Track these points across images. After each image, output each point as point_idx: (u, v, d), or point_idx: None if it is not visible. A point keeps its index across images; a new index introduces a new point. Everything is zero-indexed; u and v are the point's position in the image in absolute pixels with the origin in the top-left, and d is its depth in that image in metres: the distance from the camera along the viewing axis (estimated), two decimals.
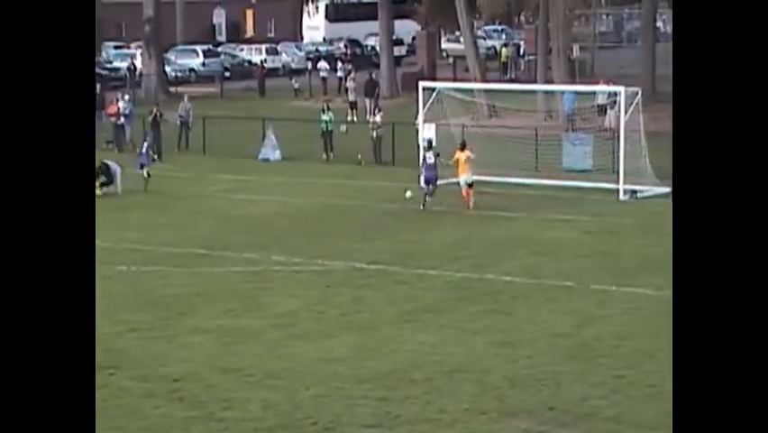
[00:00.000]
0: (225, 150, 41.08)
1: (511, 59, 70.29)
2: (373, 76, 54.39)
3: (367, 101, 51.39)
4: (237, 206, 31.68)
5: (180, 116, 43.12)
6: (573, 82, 50.32)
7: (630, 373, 17.08)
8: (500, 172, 33.70)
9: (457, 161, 31.11)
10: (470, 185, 30.73)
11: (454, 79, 57.58)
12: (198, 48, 72.96)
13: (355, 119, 49.10)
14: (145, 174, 33.95)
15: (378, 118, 39.76)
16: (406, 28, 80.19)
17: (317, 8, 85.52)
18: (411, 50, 76.99)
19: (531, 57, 62.51)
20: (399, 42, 73.84)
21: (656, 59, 52.95)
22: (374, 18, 65.71)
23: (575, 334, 19.14)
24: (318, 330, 19.56)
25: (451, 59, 71.17)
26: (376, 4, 64.52)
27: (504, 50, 71.94)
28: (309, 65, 69.91)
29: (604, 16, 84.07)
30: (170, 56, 69.38)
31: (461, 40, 59.33)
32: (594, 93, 42.94)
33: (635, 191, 31.73)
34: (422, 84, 37.03)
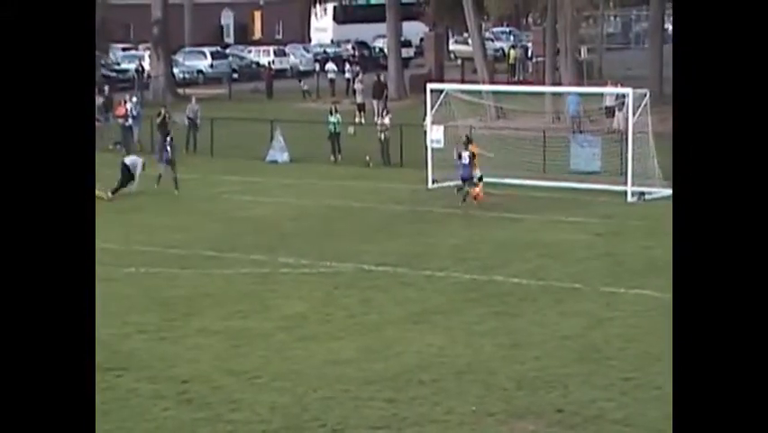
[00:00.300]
0: (233, 151, 41.12)
1: (519, 61, 70.27)
2: (381, 78, 54.39)
3: (375, 103, 51.40)
4: (245, 207, 31.69)
5: (188, 117, 43.17)
6: (581, 84, 50.29)
7: (638, 375, 17.06)
8: (508, 174, 33.71)
9: (473, 154, 31.22)
10: (480, 178, 30.96)
11: (462, 81, 57.59)
12: (206, 49, 73.04)
13: (363, 121, 49.12)
14: (162, 169, 33.87)
15: (386, 120, 39.75)
16: (414, 30, 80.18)
17: (325, 10, 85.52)
18: (419, 52, 77.00)
19: (539, 58, 62.44)
20: (407, 44, 73.84)
21: (664, 61, 52.88)
22: (382, 20, 65.72)
23: (583, 336, 19.12)
24: (326, 332, 19.57)
25: (459, 61, 71.15)
26: (384, 5, 64.54)
27: (512, 51, 71.93)
28: (317, 67, 69.96)
29: (612, 18, 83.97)
30: (178, 58, 69.47)
31: (469, 41, 59.35)
32: (602, 95, 42.90)
33: (643, 193, 31.70)
34: (430, 86, 37.04)
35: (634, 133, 32.14)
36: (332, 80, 63.13)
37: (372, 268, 24.02)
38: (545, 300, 21.36)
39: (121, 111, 43.89)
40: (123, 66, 67.83)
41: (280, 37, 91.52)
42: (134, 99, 45.07)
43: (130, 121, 43.20)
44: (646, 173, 31.97)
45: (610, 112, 43.76)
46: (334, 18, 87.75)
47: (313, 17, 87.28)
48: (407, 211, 30.70)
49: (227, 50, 76.79)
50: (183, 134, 42.46)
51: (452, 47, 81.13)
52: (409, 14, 75.99)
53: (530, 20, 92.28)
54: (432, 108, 35.48)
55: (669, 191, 31.62)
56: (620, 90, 38.36)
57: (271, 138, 40.82)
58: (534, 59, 67.64)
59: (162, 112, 41.64)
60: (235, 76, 68.68)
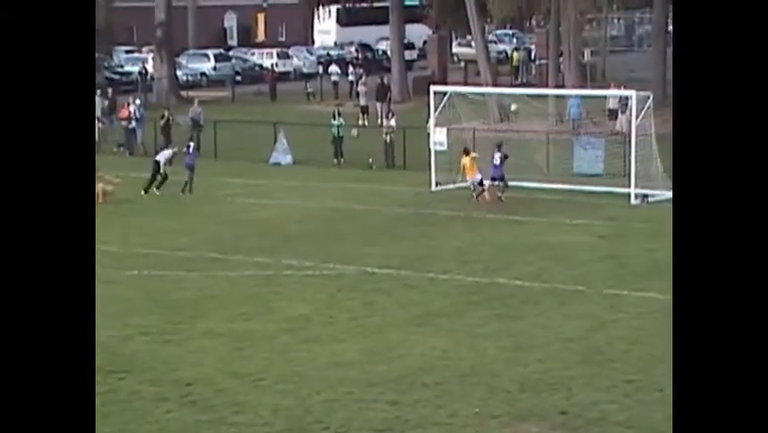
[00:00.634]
0: (236, 154, 41.13)
1: (522, 64, 70.27)
2: (384, 80, 54.40)
3: (378, 105, 51.40)
4: (248, 210, 31.71)
5: (192, 119, 43.20)
6: (584, 86, 50.28)
7: (641, 377, 17.06)
8: (511, 176, 33.70)
9: (463, 166, 32.23)
10: (480, 183, 31.79)
11: (465, 83, 57.59)
12: (210, 52, 73.08)
13: (366, 123, 49.13)
14: (187, 177, 33.95)
15: (392, 122, 39.75)
16: (418, 32, 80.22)
17: (329, 12, 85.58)
18: (422, 55, 77.01)
19: (542, 61, 62.44)
20: (410, 47, 73.87)
21: (667, 64, 52.87)
22: (385, 22, 65.75)
23: (586, 338, 19.12)
24: (329, 334, 19.57)
25: (462, 64, 71.18)
26: (387, 8, 64.57)
27: (515, 54, 71.93)
28: (320, 69, 69.98)
29: (615, 20, 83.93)
30: (182, 60, 69.52)
31: (473, 44, 59.34)
32: (605, 97, 42.91)
33: (646, 195, 31.69)
34: (433, 88, 37.04)
35: (637, 136, 32.14)
36: (335, 83, 63.17)
37: (376, 270, 24.03)
38: (548, 303, 21.37)
39: (124, 113, 43.93)
40: (127, 68, 67.88)
41: (283, 39, 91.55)
42: (138, 102, 45.10)
43: (133, 123, 43.25)
44: (649, 176, 31.96)
45: (613, 114, 43.76)
46: (338, 20, 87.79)
47: (316, 19, 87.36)
48: (411, 214, 30.72)
49: (230, 53, 76.83)
50: (186, 137, 42.48)
51: (455, 49, 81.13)
52: (412, 17, 76.09)
53: (533, 22, 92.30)
54: (435, 111, 35.49)
55: (672, 194, 31.68)
56: (623, 93, 38.35)
57: (275, 140, 40.84)
58: (537, 62, 67.65)
59: (166, 114, 41.68)
60: (238, 78, 68.69)
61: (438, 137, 35.11)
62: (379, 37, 79.53)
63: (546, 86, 51.27)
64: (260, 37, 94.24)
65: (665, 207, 30.51)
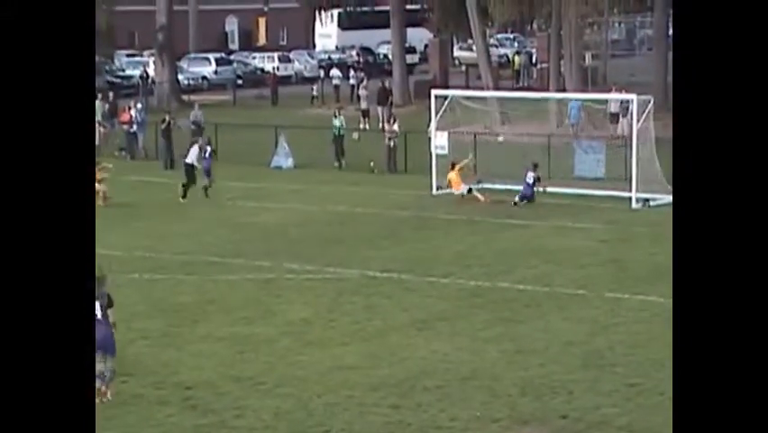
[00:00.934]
0: (238, 157, 41.10)
1: (523, 67, 70.27)
2: (386, 84, 54.40)
3: (379, 109, 51.40)
4: (249, 213, 31.71)
5: (194, 123, 43.21)
6: (586, 90, 50.27)
7: (642, 381, 17.06)
8: (512, 180, 33.71)
9: (449, 181, 32.93)
10: (469, 191, 32.47)
11: (467, 87, 57.59)
12: (211, 56, 73.10)
13: (367, 127, 49.13)
14: (206, 181, 33.99)
15: (395, 126, 39.74)
16: (419, 36, 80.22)
17: (330, 16, 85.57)
18: (423, 58, 77.01)
19: (543, 65, 62.43)
20: (412, 50, 73.86)
21: (669, 67, 52.86)
22: (386, 26, 65.75)
23: (587, 342, 19.12)
24: (330, 338, 19.58)
25: (463, 67, 71.19)
26: (388, 12, 64.58)
27: (516, 57, 71.94)
28: (321, 73, 69.99)
29: (616, 24, 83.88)
30: (183, 64, 69.52)
31: (474, 48, 59.34)
32: (606, 101, 42.89)
33: (647, 199, 31.68)
34: (434, 92, 37.04)
35: (638, 140, 32.13)
36: (336, 86, 63.20)
37: (377, 274, 24.03)
38: (550, 306, 21.36)
39: (125, 117, 43.94)
40: (128, 72, 67.90)
41: (285, 43, 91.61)
42: (139, 106, 45.10)
43: (134, 127, 43.26)
44: (651, 179, 31.94)
45: (615, 118, 43.74)
46: (339, 24, 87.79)
47: (317, 23, 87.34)
48: (412, 217, 30.72)
49: (232, 57, 76.85)
50: (188, 141, 42.48)
51: (456, 53, 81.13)
52: (414, 21, 76.03)
53: (534, 26, 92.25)
54: (436, 114, 35.50)
55: None
56: (625, 96, 38.33)
57: (276, 144, 40.84)
58: (538, 66, 67.66)
59: (167, 118, 41.68)
60: (240, 82, 68.70)
61: (439, 141, 35.11)
62: (381, 41, 79.54)
63: (547, 89, 51.25)
64: (262, 41, 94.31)
65: (666, 210, 30.49)
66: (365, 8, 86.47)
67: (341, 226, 29.65)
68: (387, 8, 66.30)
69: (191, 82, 67.63)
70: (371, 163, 38.67)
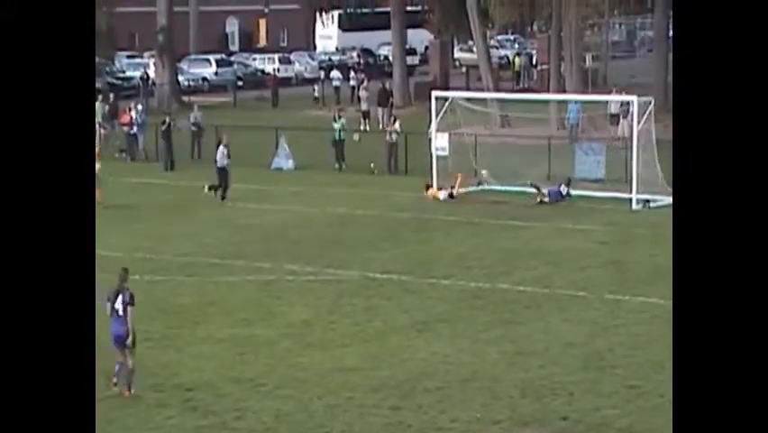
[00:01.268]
0: (238, 159, 40.92)
1: (524, 69, 70.24)
2: (387, 85, 54.39)
3: (380, 110, 51.39)
4: (250, 215, 31.71)
5: (194, 124, 43.20)
6: (586, 91, 50.25)
7: (642, 383, 17.06)
8: (513, 182, 33.73)
9: (432, 196, 33.35)
10: (451, 195, 33.16)
11: (467, 89, 57.57)
12: (211, 57, 73.06)
13: (368, 128, 49.11)
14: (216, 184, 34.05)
15: (396, 125, 39.73)
16: (419, 37, 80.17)
17: (330, 18, 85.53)
18: (424, 60, 76.98)
19: (544, 66, 62.39)
20: (412, 52, 73.81)
21: (669, 69, 52.85)
22: (387, 27, 65.74)
23: (588, 343, 19.12)
24: (331, 339, 19.58)
25: (464, 69, 71.13)
26: (389, 13, 64.56)
27: (517, 59, 71.91)
28: (322, 74, 69.98)
29: (617, 25, 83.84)
30: (183, 65, 69.49)
31: (474, 49, 59.31)
32: (607, 102, 42.88)
33: (647, 201, 31.68)
34: (435, 93, 37.03)
35: (638, 141, 32.12)
36: (336, 88, 63.18)
37: (377, 276, 24.02)
38: (550, 308, 21.36)
39: (126, 119, 43.92)
40: (128, 73, 67.88)
41: (285, 45, 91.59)
42: (139, 107, 45.08)
43: (135, 129, 43.24)
44: (651, 181, 31.93)
45: (615, 119, 43.72)
46: (339, 25, 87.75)
47: (318, 25, 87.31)
48: (412, 219, 30.72)
49: (232, 58, 76.82)
50: (188, 143, 42.51)
51: (456, 54, 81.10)
52: (414, 22, 75.98)
53: (535, 28, 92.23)
54: (437, 116, 35.49)
55: None
56: (625, 98, 38.33)
57: (276, 146, 40.82)
58: (538, 67, 67.62)
59: (167, 120, 41.68)
60: (240, 83, 68.67)
61: (440, 142, 35.11)
62: (381, 42, 79.52)
63: (548, 91, 51.24)
64: (262, 42, 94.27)
65: (667, 212, 30.49)
66: (365, 10, 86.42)
67: (341, 228, 29.65)
68: (387, 9, 66.26)
69: (191, 83, 67.59)
70: (372, 165, 38.66)
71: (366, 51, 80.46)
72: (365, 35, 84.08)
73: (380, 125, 48.90)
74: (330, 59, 77.69)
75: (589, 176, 34.49)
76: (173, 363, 18.39)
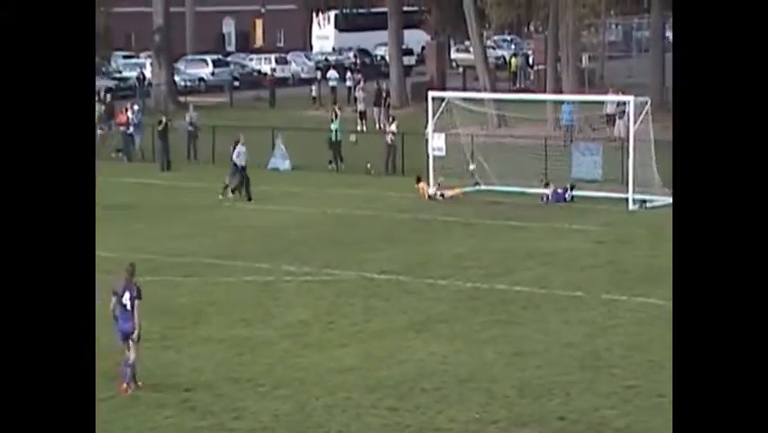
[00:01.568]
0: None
1: (520, 69, 70.28)
2: (382, 86, 54.41)
3: (375, 111, 51.42)
4: (247, 215, 31.72)
5: (190, 124, 43.20)
6: (582, 92, 50.29)
7: (640, 383, 17.08)
8: (510, 182, 33.76)
9: (421, 190, 33.61)
10: (441, 195, 33.23)
11: (464, 89, 57.59)
12: (208, 57, 73.07)
13: (365, 129, 49.13)
14: (227, 181, 34.09)
15: (393, 127, 39.75)
16: (416, 38, 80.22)
17: (327, 18, 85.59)
18: (420, 60, 76.97)
19: (540, 66, 62.46)
20: (409, 52, 73.82)
21: (666, 69, 52.93)
22: (384, 28, 65.76)
23: (585, 344, 19.14)
24: (329, 340, 19.60)
25: (460, 69, 71.15)
26: (385, 13, 64.58)
27: (513, 59, 71.95)
28: (318, 75, 70.00)
29: (613, 26, 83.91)
30: (180, 65, 69.48)
31: (471, 49, 59.35)
32: (603, 103, 42.91)
33: (644, 201, 31.72)
34: (431, 94, 37.06)
35: (635, 141, 32.17)
36: (333, 88, 63.20)
37: (375, 276, 24.04)
38: (548, 308, 21.39)
39: (122, 119, 43.92)
40: (125, 74, 67.86)
41: (282, 45, 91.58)
42: (136, 107, 45.09)
43: (131, 129, 43.24)
44: (648, 181, 31.98)
45: (611, 120, 43.75)
46: (336, 26, 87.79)
47: (314, 25, 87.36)
48: (410, 219, 30.74)
49: (229, 58, 76.82)
50: (184, 143, 42.51)
51: (453, 55, 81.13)
52: (411, 22, 76.09)
53: (531, 28, 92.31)
54: (434, 116, 35.52)
55: (670, 199, 31.71)
56: (621, 98, 38.36)
57: (273, 146, 40.83)
58: (535, 67, 67.67)
59: (163, 120, 41.68)
60: (237, 84, 68.67)
61: (437, 143, 35.14)
62: (378, 42, 79.54)
63: (544, 91, 51.28)
64: (259, 42, 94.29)
65: (663, 212, 30.55)
66: (362, 10, 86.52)
67: (339, 229, 29.66)
68: (384, 10, 66.30)
69: (188, 84, 67.59)
70: (368, 165, 38.68)
71: (363, 52, 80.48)
72: (362, 35, 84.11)
73: (377, 126, 48.93)
74: (327, 60, 77.70)
75: (586, 176, 34.53)
76: (172, 363, 18.40)
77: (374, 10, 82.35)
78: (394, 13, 62.31)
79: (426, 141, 35.84)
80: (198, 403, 16.54)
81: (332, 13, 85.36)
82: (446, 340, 19.43)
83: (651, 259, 25.25)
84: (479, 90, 50.26)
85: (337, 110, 42.14)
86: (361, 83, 56.35)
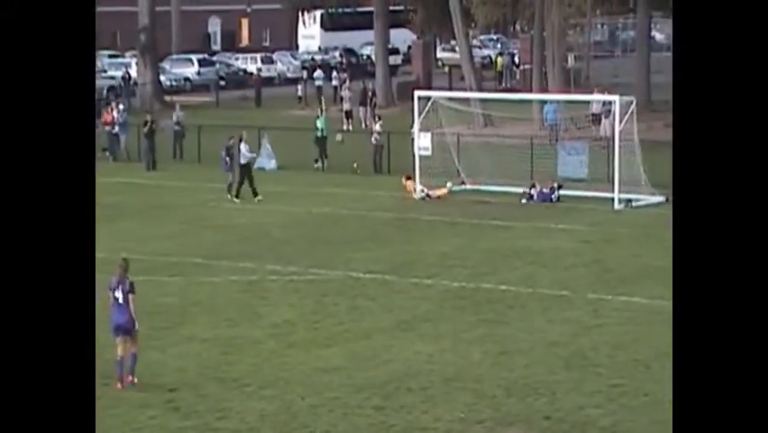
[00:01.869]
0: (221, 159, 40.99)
1: (506, 69, 70.34)
2: (368, 85, 54.38)
3: (362, 110, 51.40)
4: (232, 215, 31.66)
5: (177, 124, 43.11)
6: (568, 91, 50.36)
7: (625, 382, 17.10)
8: (496, 181, 33.76)
9: (406, 187, 33.77)
10: (428, 195, 33.35)
11: (450, 88, 57.59)
12: (194, 57, 72.92)
13: (351, 128, 49.10)
14: (229, 178, 34.02)
15: (377, 126, 39.73)
16: (402, 37, 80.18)
17: (313, 17, 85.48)
18: (407, 60, 76.99)
19: (526, 66, 62.52)
20: (395, 52, 73.81)
21: (651, 69, 53.04)
22: (370, 27, 65.73)
23: (571, 343, 19.15)
24: (314, 340, 19.57)
25: (446, 69, 71.17)
26: (371, 13, 64.54)
27: (499, 59, 72.00)
28: (305, 74, 69.93)
29: (599, 26, 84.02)
30: (165, 65, 69.33)
31: (457, 49, 59.36)
32: (588, 102, 42.96)
33: (629, 200, 31.77)
34: (417, 93, 37.03)
35: (620, 141, 32.20)
36: (319, 87, 63.16)
37: (361, 275, 24.02)
38: (533, 308, 21.39)
39: (107, 118, 43.80)
40: (110, 73, 67.66)
41: (268, 44, 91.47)
42: (121, 107, 44.98)
43: (116, 128, 43.14)
44: (633, 180, 32.03)
45: (597, 119, 43.80)
46: (322, 25, 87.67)
47: (300, 24, 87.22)
48: (395, 219, 30.72)
49: (214, 58, 76.69)
50: (170, 142, 42.42)
51: (439, 54, 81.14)
52: (397, 22, 75.98)
53: (517, 27, 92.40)
54: (419, 116, 35.51)
55: (655, 198, 31.76)
56: (607, 97, 38.41)
57: (259, 146, 40.76)
58: (521, 67, 67.73)
59: (149, 119, 41.60)
60: (222, 83, 68.55)
61: (422, 142, 35.13)
62: (364, 42, 79.50)
63: (530, 91, 51.31)
64: (245, 42, 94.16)
65: (649, 211, 30.63)
66: (348, 9, 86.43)
67: (324, 228, 29.63)
68: (370, 9, 66.22)
69: (174, 83, 67.45)
70: (355, 164, 38.66)
71: (349, 51, 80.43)
72: (348, 35, 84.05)
73: (363, 125, 48.90)
74: (313, 59, 77.62)
75: (571, 176, 34.57)
76: (156, 363, 18.34)
77: (360, 9, 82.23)
78: (380, 12, 62.28)
79: (412, 140, 35.83)
80: (183, 403, 16.49)
81: (318, 13, 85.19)
82: (432, 340, 19.42)
83: (637, 258, 25.28)
84: (465, 90, 50.27)
85: (323, 106, 42.10)
86: (347, 82, 56.32)
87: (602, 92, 42.93)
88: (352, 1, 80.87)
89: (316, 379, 17.42)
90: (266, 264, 25.11)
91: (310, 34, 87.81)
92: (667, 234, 27.01)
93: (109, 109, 44.35)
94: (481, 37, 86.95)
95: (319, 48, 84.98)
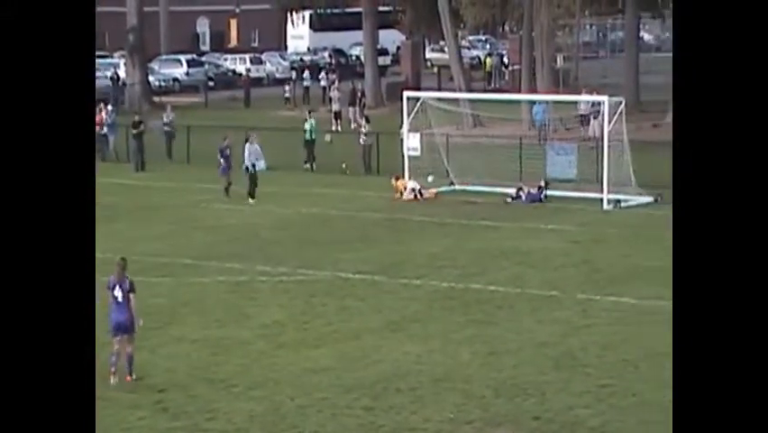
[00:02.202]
0: (210, 160, 40.94)
1: (495, 69, 70.43)
2: (356, 86, 54.39)
3: (351, 111, 51.40)
4: (222, 216, 31.64)
5: (166, 125, 43.05)
6: (557, 91, 50.42)
7: (614, 382, 17.13)
8: (485, 182, 33.79)
9: (397, 187, 33.68)
10: (420, 193, 33.39)
11: (439, 89, 57.63)
12: (182, 57, 72.86)
13: (340, 129, 49.10)
14: (225, 181, 34.03)
15: (365, 127, 39.72)
16: (391, 38, 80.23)
17: (302, 18, 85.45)
18: (395, 60, 77.04)
19: (515, 66, 62.58)
20: (384, 52, 73.85)
21: (639, 69, 53.12)
22: (358, 28, 65.75)
23: (560, 343, 19.17)
24: (303, 340, 19.57)
25: (435, 69, 71.24)
26: (360, 13, 64.55)
27: (488, 59, 72.10)
28: (293, 74, 69.92)
29: (588, 26, 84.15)
30: (154, 65, 69.28)
31: (446, 49, 59.40)
32: (577, 103, 43.03)
33: (618, 201, 31.82)
34: (406, 94, 37.06)
35: (609, 141, 32.24)
36: (307, 88, 63.16)
37: (350, 276, 24.02)
38: (522, 308, 21.41)
39: (96, 119, 43.69)
40: (99, 74, 67.50)
41: (256, 45, 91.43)
42: (110, 107, 44.91)
43: (105, 129, 43.07)
44: (622, 181, 32.07)
45: (585, 120, 43.86)
46: (311, 26, 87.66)
47: (289, 25, 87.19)
48: (385, 219, 30.73)
49: (203, 58, 76.64)
50: (158, 143, 42.37)
51: (428, 55, 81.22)
52: (386, 22, 76.00)
53: (506, 28, 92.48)
54: (409, 116, 35.52)
55: (644, 199, 31.82)
56: (596, 98, 38.47)
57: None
58: (510, 67, 67.81)
59: (138, 120, 41.55)
60: (211, 84, 68.50)
61: (411, 143, 35.15)
62: (353, 42, 79.51)
63: (519, 91, 51.36)
64: (233, 42, 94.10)
65: (637, 212, 30.68)
66: (337, 10, 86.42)
67: (314, 228, 29.62)
68: (359, 10, 66.24)
69: (162, 84, 67.39)
70: (344, 165, 38.66)
71: (338, 52, 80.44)
72: (336, 35, 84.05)
73: (352, 126, 48.90)
74: (302, 60, 77.62)
75: (560, 176, 34.60)
76: (145, 363, 18.32)
77: (349, 10, 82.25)
78: (369, 13, 62.30)
79: (401, 141, 35.84)
80: (172, 404, 16.48)
81: (306, 13, 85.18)
82: (421, 340, 19.42)
83: (626, 258, 25.32)
84: (454, 90, 50.31)
85: (310, 113, 42.07)
86: (336, 83, 56.33)
87: (590, 92, 42.99)
88: (341, 1, 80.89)
89: (305, 379, 17.42)
90: (255, 265, 25.10)
91: (299, 35, 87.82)
92: (656, 234, 27.09)
93: (98, 110, 44.26)
94: (470, 38, 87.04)
95: (308, 48, 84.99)
